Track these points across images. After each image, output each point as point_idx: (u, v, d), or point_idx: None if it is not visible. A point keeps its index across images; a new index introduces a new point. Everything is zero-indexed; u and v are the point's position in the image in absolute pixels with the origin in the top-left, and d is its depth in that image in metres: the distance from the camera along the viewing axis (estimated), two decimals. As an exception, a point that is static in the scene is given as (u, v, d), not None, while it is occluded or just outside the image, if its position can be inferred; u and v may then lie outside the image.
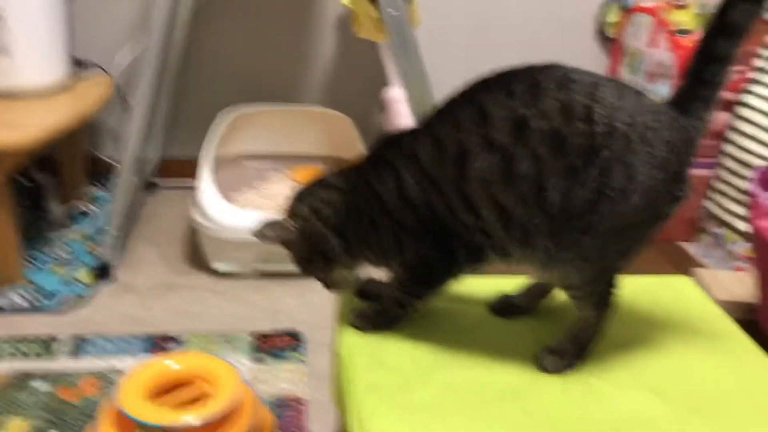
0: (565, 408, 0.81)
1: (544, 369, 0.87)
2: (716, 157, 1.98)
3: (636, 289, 1.06)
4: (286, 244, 0.94)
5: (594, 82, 0.78)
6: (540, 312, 1.00)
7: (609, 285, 0.86)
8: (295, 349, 1.50)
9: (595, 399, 0.84)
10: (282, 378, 1.41)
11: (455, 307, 1.00)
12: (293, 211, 0.94)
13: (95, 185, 2.17)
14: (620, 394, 0.84)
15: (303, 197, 0.94)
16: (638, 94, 0.80)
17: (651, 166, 0.77)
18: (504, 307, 0.99)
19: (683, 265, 1.98)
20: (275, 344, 1.51)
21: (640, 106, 0.78)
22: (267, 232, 0.94)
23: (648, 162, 0.77)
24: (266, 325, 1.58)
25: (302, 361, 1.46)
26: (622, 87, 0.80)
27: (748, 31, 0.80)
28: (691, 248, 2.11)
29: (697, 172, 2.07)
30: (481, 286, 1.04)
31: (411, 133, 0.87)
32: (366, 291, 1.00)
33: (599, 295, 0.86)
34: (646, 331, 0.96)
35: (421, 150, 0.84)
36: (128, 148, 1.70)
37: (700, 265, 2.01)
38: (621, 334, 0.95)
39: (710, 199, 2.00)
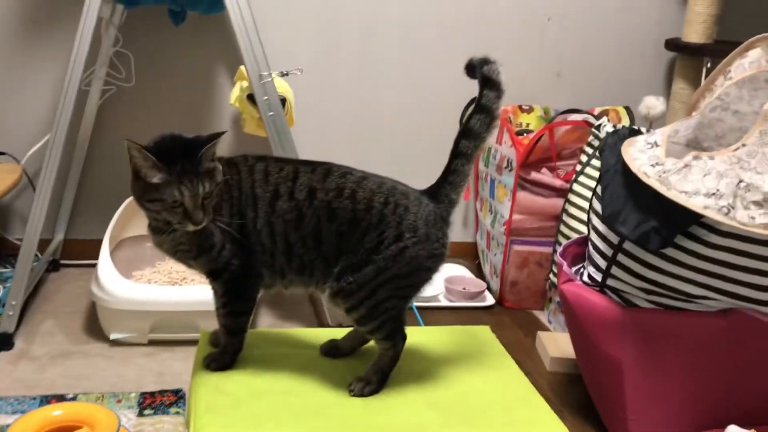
0: (361, 418, 1.07)
1: (351, 392, 1.13)
2: (555, 236, 2.32)
3: (443, 334, 1.35)
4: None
5: (363, 176, 1.12)
6: (360, 354, 1.25)
7: (393, 320, 1.13)
8: (176, 404, 1.69)
9: (387, 412, 1.09)
10: (162, 429, 1.59)
11: (291, 351, 1.25)
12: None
13: (3, 265, 2.34)
14: (408, 408, 1.10)
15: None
16: (395, 183, 1.14)
17: (400, 230, 1.08)
18: (330, 349, 1.25)
19: (534, 329, 2.28)
20: (159, 401, 1.70)
21: (394, 191, 1.11)
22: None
23: (396, 227, 1.08)
24: (152, 386, 1.77)
25: (181, 414, 1.65)
26: (382, 180, 1.14)
27: (484, 135, 1.13)
28: (541, 315, 2.42)
29: (542, 249, 2.42)
30: (316, 334, 1.30)
31: (254, 156, 1.19)
32: (217, 341, 1.24)
33: (387, 330, 1.13)
34: (442, 364, 1.24)
35: (257, 169, 1.15)
36: (31, 228, 1.90)
37: (547, 329, 2.32)
38: (421, 366, 1.22)
39: (553, 272, 2.32)
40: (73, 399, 1.67)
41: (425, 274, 1.11)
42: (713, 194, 1.38)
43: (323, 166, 1.13)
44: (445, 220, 1.12)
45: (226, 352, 1.17)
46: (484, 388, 1.17)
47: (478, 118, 1.13)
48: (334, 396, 1.12)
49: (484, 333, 1.37)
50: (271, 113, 1.92)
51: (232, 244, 1.11)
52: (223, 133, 1.10)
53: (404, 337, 1.15)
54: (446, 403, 1.11)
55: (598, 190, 1.72)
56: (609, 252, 1.62)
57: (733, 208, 1.36)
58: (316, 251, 1.10)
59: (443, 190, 1.13)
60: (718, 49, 2.50)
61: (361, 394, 1.12)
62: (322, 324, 2.18)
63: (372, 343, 1.25)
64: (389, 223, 1.08)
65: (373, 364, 1.15)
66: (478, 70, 1.13)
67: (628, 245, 1.57)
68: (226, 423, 1.02)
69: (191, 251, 1.13)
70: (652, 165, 1.48)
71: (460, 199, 1.15)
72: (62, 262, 2.47)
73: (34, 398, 1.66)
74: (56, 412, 1.30)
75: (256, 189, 1.11)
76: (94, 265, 2.38)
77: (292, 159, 1.16)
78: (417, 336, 1.22)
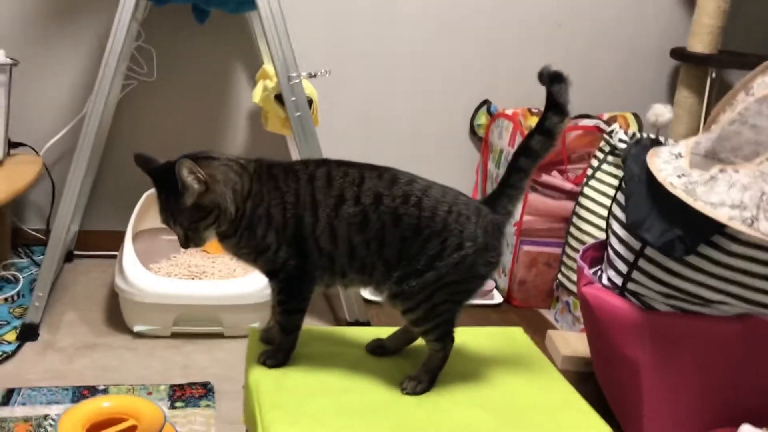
0: (416, 418, 1.11)
1: (404, 390, 1.18)
2: (565, 237, 2.39)
3: (479, 335, 1.40)
4: (188, 188, 1.09)
5: (428, 185, 1.16)
6: (405, 352, 1.30)
7: (447, 323, 1.18)
8: (205, 397, 1.73)
9: (440, 411, 1.14)
10: (194, 421, 1.63)
11: (339, 349, 1.29)
12: (209, 169, 1.11)
13: (18, 255, 2.35)
14: (458, 408, 1.15)
15: (216, 161, 1.14)
16: (457, 193, 1.18)
17: (462, 239, 1.13)
18: (376, 348, 1.29)
19: (541, 327, 2.34)
20: (189, 393, 1.73)
21: (457, 200, 1.15)
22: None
23: (458, 236, 1.13)
24: (179, 378, 1.80)
25: (211, 407, 1.69)
26: (446, 188, 1.18)
27: (542, 155, 1.18)
28: (548, 314, 2.49)
29: (550, 249, 2.48)
30: (361, 333, 1.35)
31: (315, 162, 1.21)
32: (268, 338, 1.28)
33: (440, 332, 1.18)
34: (483, 365, 1.29)
35: (318, 176, 1.17)
36: (60, 221, 1.92)
37: (554, 328, 2.39)
38: (464, 367, 1.27)
39: (561, 272, 2.39)
40: (105, 390, 1.70)
41: (480, 281, 1.17)
42: (738, 206, 1.45)
43: (388, 172, 1.17)
44: (501, 231, 1.17)
45: (281, 349, 1.21)
46: (526, 390, 1.23)
47: (539, 140, 1.17)
48: (388, 394, 1.16)
49: (518, 335, 1.43)
50: (298, 113, 1.96)
51: (288, 247, 1.15)
52: (178, 161, 1.09)
53: (453, 339, 1.20)
54: (494, 404, 1.17)
55: (619, 197, 1.78)
56: (630, 257, 1.69)
57: (756, 219, 1.43)
58: (377, 254, 1.14)
59: (501, 202, 1.18)
60: (723, 60, 2.58)
61: (414, 393, 1.17)
62: (337, 319, 2.23)
63: (417, 342, 1.30)
64: (452, 231, 1.13)
65: (424, 364, 1.20)
66: (547, 85, 1.17)
67: (649, 251, 1.64)
68: (292, 420, 1.06)
69: (250, 254, 1.18)
70: (678, 176, 1.54)
71: (516, 211, 1.21)
72: (75, 252, 2.49)
73: (67, 389, 1.69)
74: (105, 403, 1.34)
75: (317, 195, 1.14)
76: (107, 257, 2.42)
77: (354, 163, 1.18)
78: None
